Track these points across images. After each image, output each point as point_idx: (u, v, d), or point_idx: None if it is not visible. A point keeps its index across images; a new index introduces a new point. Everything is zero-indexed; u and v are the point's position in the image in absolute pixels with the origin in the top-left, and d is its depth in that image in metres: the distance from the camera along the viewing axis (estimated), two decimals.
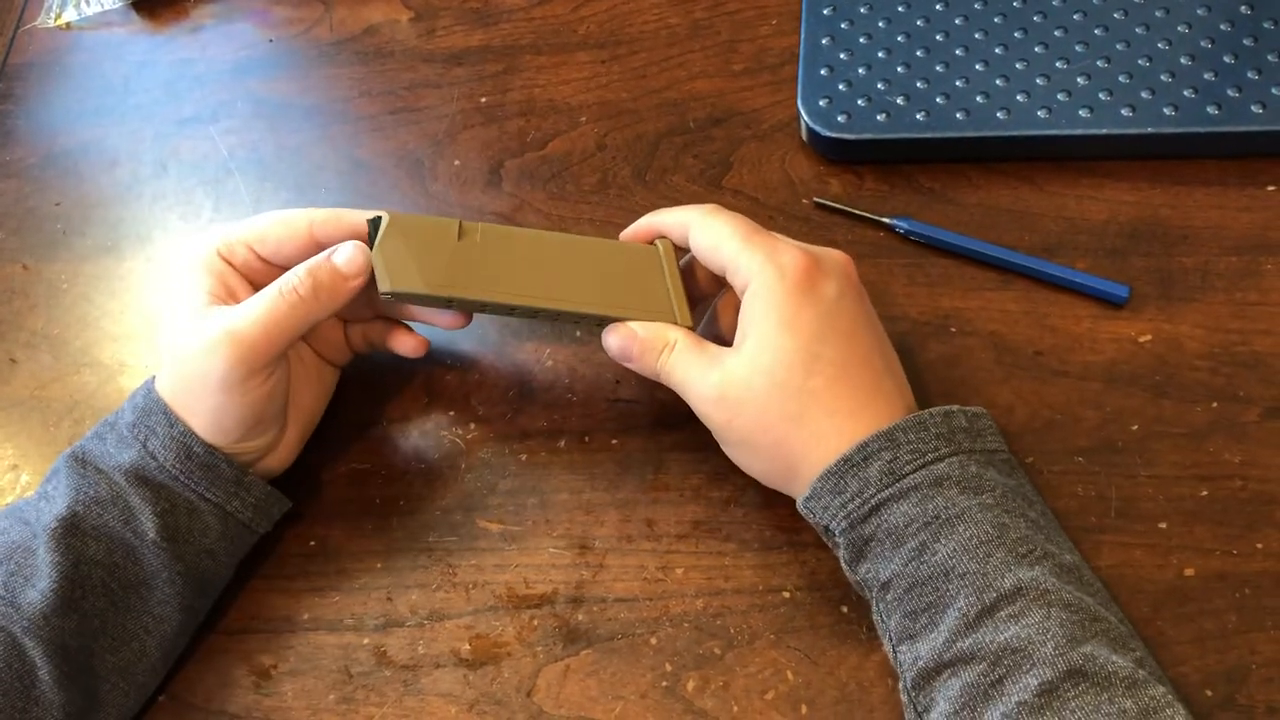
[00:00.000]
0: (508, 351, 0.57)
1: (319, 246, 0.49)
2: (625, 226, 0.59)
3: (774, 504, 0.51)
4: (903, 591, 0.43)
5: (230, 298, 0.49)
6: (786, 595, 0.49)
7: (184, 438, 0.48)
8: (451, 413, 0.56)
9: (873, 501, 0.44)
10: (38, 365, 0.61)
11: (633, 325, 0.49)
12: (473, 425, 0.56)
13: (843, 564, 0.46)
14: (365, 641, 0.51)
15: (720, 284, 0.50)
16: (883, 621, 0.45)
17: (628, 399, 0.55)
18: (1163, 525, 0.49)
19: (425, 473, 0.55)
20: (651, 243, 0.51)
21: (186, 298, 0.49)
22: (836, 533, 0.45)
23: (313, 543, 0.53)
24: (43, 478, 0.57)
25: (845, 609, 0.49)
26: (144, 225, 0.65)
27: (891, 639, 0.44)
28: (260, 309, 0.47)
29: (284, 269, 0.49)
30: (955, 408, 0.46)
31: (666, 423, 0.54)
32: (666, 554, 0.51)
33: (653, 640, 0.49)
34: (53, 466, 0.50)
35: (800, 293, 0.46)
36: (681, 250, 0.51)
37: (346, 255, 0.49)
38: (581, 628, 0.50)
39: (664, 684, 0.48)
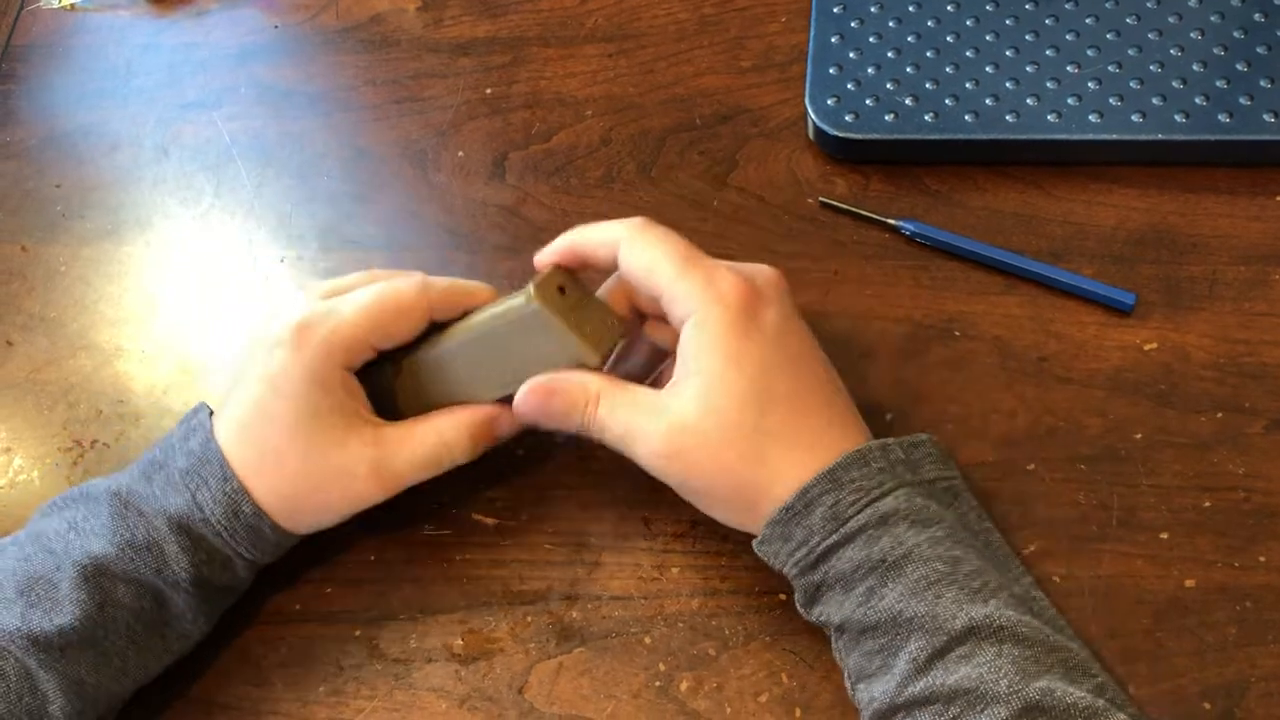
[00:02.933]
0: None
1: (429, 317, 0.48)
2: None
3: None
4: (856, 634, 0.43)
5: (351, 406, 0.47)
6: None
7: (235, 495, 0.46)
8: None
9: (819, 549, 0.43)
10: (34, 348, 0.61)
11: (540, 380, 0.45)
12: None
13: (798, 605, 0.45)
14: (357, 634, 0.50)
15: (640, 312, 0.48)
16: (841, 658, 0.44)
17: None
18: (1164, 535, 0.48)
19: None
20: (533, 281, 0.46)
21: (308, 406, 0.46)
22: (789, 578, 0.45)
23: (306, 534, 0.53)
24: (39, 463, 0.57)
25: None
26: (144, 209, 0.65)
27: (850, 677, 0.44)
28: (415, 460, 0.47)
29: None
30: (891, 440, 0.45)
31: None
32: (663, 553, 0.51)
33: (647, 640, 0.49)
34: (84, 491, 0.47)
35: (744, 322, 0.44)
36: (601, 273, 0.48)
37: (511, 425, 0.48)
38: (575, 625, 0.49)
39: (657, 684, 0.48)
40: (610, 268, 0.47)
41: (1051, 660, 0.41)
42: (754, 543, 0.46)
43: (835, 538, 0.43)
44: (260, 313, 0.60)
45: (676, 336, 0.45)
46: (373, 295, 0.47)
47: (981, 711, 0.39)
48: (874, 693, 0.42)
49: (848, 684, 0.44)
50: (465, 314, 0.48)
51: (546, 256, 0.47)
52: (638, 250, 0.45)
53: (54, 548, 0.46)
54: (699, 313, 0.44)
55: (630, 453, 0.45)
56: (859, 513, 0.43)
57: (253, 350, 0.47)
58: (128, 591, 0.46)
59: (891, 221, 0.56)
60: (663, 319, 0.47)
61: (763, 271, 0.46)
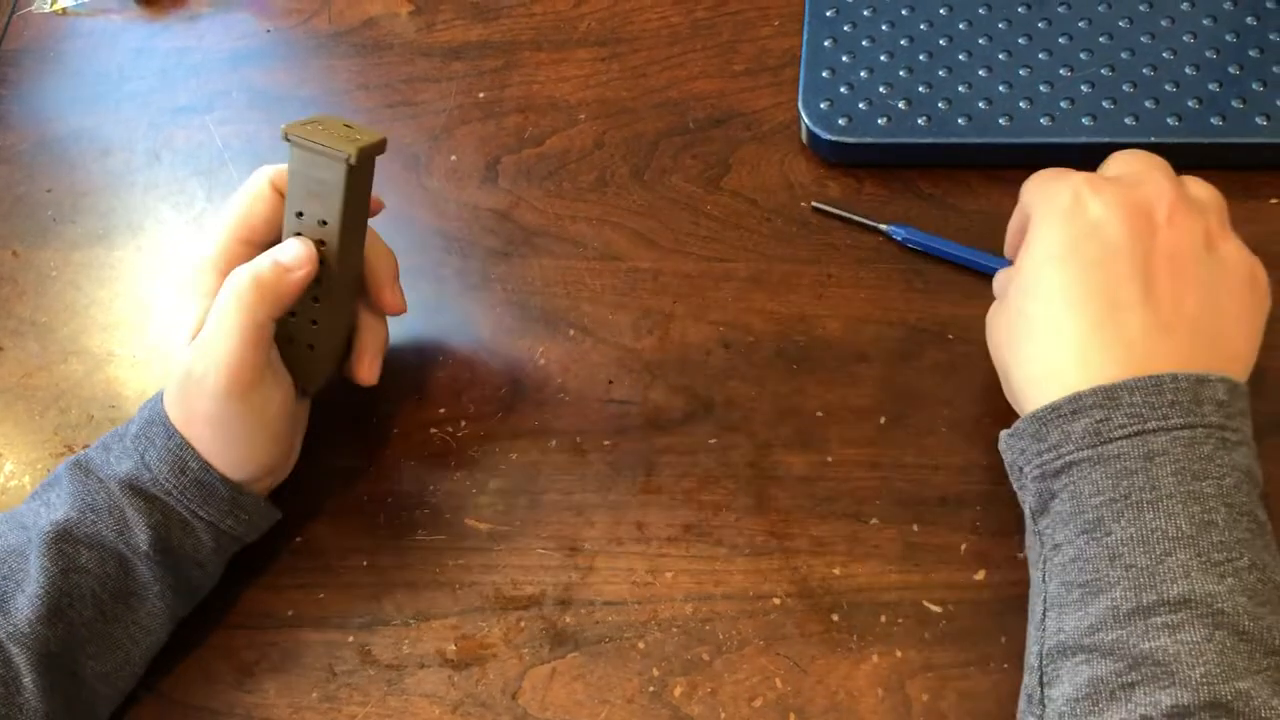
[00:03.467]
0: (500, 349, 0.57)
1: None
2: (622, 225, 0.59)
3: (766, 509, 0.51)
4: (1068, 559, 0.41)
5: None
6: (776, 602, 0.49)
7: (180, 450, 0.47)
8: (442, 410, 0.55)
9: (1068, 458, 0.41)
10: (24, 353, 0.60)
11: None
12: (463, 423, 0.55)
13: (1027, 511, 0.43)
14: (350, 640, 0.50)
15: None
16: (1043, 581, 0.42)
17: (620, 400, 0.54)
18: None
19: (414, 470, 0.54)
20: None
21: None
22: (1028, 478, 0.43)
23: (299, 539, 0.53)
24: (30, 468, 0.57)
25: (835, 617, 0.48)
26: (135, 214, 0.64)
27: (1045, 600, 0.42)
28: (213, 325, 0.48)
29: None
30: (1214, 376, 0.41)
31: (659, 424, 0.53)
32: (656, 557, 0.51)
33: (640, 645, 0.49)
34: (54, 473, 0.49)
35: (1073, 239, 0.44)
36: None
37: (292, 252, 0.48)
38: (569, 630, 0.49)
39: (651, 689, 0.48)
40: None
41: (1267, 664, 0.37)
42: (1004, 432, 0.44)
43: (1089, 454, 0.41)
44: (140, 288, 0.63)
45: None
46: (227, 205, 0.50)
47: (1164, 689, 0.37)
48: (1063, 624, 0.40)
49: (1038, 609, 0.42)
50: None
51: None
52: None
53: (26, 522, 0.47)
54: (1035, 221, 0.45)
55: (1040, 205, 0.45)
56: (1124, 439, 0.40)
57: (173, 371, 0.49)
58: (91, 556, 0.46)
59: (883, 228, 0.56)
60: None
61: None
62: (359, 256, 0.51)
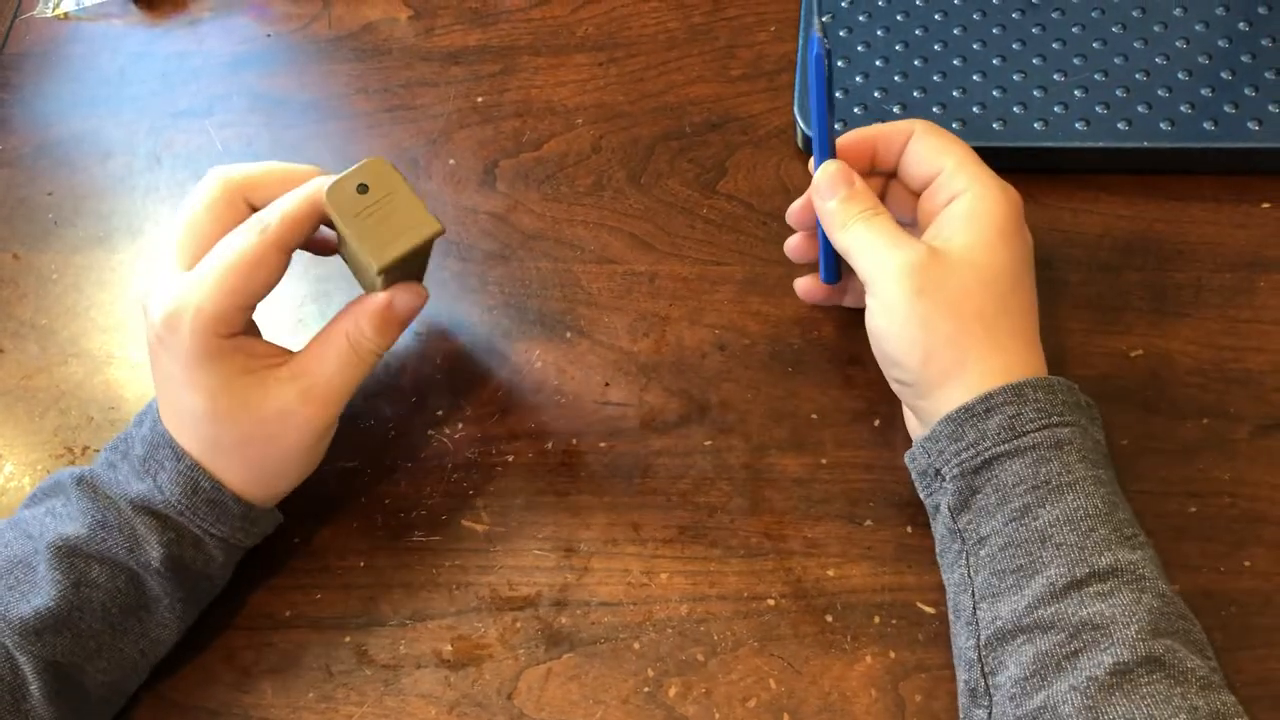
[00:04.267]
0: (497, 352, 0.57)
1: (290, 256, 0.48)
2: (619, 229, 0.60)
3: (760, 511, 0.51)
4: (997, 549, 0.43)
5: (258, 360, 0.48)
6: (771, 603, 0.49)
7: (192, 472, 0.47)
8: (439, 412, 0.56)
9: (987, 454, 0.44)
10: (25, 355, 0.61)
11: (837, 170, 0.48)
12: (460, 425, 0.55)
13: (944, 512, 0.45)
14: (347, 640, 0.51)
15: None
16: (969, 576, 0.44)
17: (616, 402, 0.55)
18: (1151, 541, 0.48)
19: (411, 472, 0.54)
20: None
21: (212, 383, 0.46)
22: (947, 478, 0.45)
23: (297, 539, 0.53)
24: (30, 469, 0.57)
25: (830, 618, 0.48)
26: (136, 217, 0.65)
27: (974, 595, 0.43)
28: (334, 367, 0.48)
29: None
30: (1076, 386, 0.46)
31: (655, 427, 0.54)
32: (652, 559, 0.51)
33: (636, 645, 0.49)
34: (54, 480, 0.49)
35: (1016, 220, 0.47)
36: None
37: (410, 305, 0.49)
38: (564, 631, 0.50)
39: (646, 690, 0.48)
40: (894, 156, 0.50)
41: (1180, 626, 0.41)
42: (919, 439, 0.46)
43: (1006, 447, 0.43)
44: (139, 291, 0.61)
45: (913, 207, 0.50)
46: (221, 264, 0.46)
47: (1104, 650, 0.39)
48: (999, 611, 0.42)
49: (968, 603, 0.44)
50: None
51: (844, 142, 0.50)
52: (933, 135, 0.49)
53: (32, 532, 0.47)
54: (982, 191, 0.46)
55: (866, 256, 0.46)
56: (1037, 431, 0.43)
57: (148, 344, 0.48)
58: (102, 571, 0.46)
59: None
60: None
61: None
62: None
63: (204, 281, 0.46)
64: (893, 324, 0.46)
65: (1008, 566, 0.42)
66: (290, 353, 0.49)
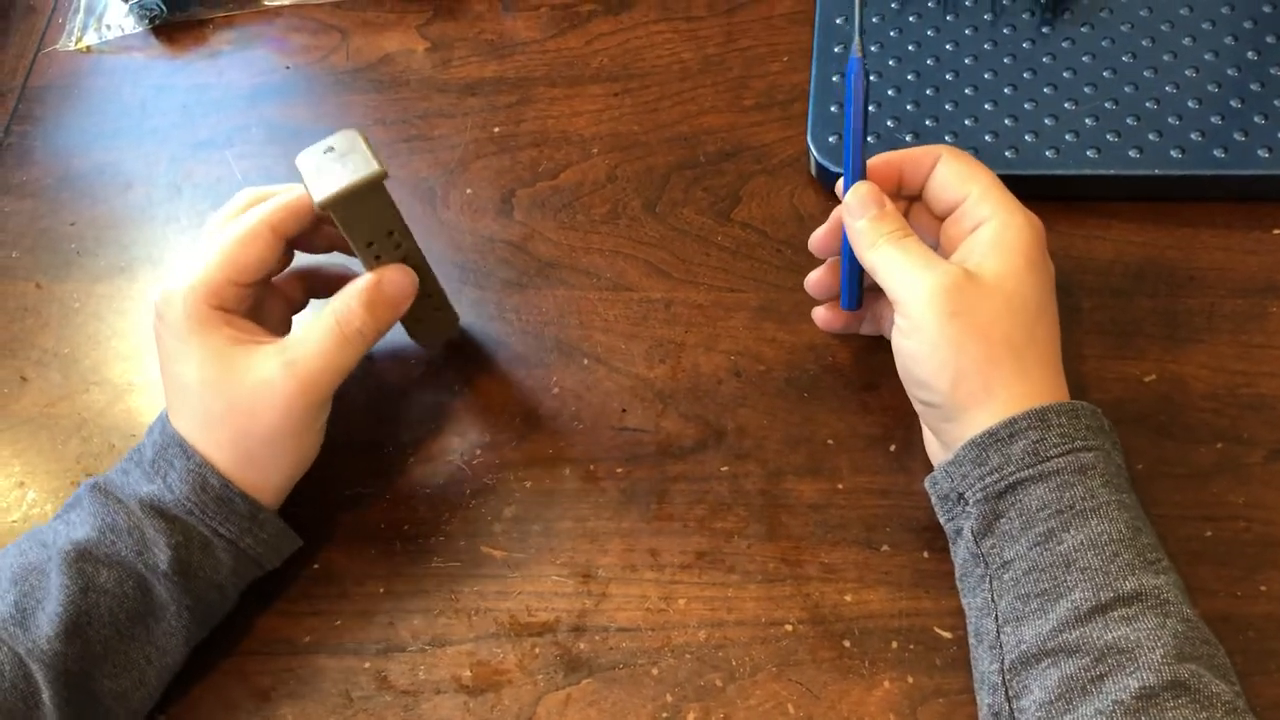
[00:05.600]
0: (515, 379, 0.58)
1: (284, 242, 0.51)
2: (635, 256, 0.60)
3: (777, 536, 0.51)
4: (1021, 573, 0.43)
5: (249, 335, 0.49)
6: (789, 628, 0.49)
7: (200, 469, 0.48)
8: (457, 438, 0.56)
9: (1011, 479, 0.44)
10: (47, 383, 0.61)
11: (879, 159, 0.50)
12: (479, 451, 0.56)
13: (967, 536, 0.45)
14: (366, 665, 0.51)
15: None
16: (993, 601, 0.44)
17: (633, 428, 0.55)
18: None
19: (430, 498, 0.55)
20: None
21: (202, 351, 0.48)
22: (970, 502, 0.45)
23: (316, 565, 0.53)
24: (52, 496, 0.57)
25: (848, 643, 0.49)
26: (156, 247, 0.66)
27: (998, 619, 0.44)
28: (319, 344, 0.49)
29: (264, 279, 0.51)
30: (1099, 410, 0.46)
31: (672, 452, 0.54)
32: (669, 584, 0.51)
33: (654, 671, 0.49)
34: (75, 494, 0.50)
35: (1041, 248, 0.47)
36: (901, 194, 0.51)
37: (398, 284, 0.51)
38: (583, 657, 0.50)
39: (664, 715, 0.48)
40: (920, 180, 0.50)
41: (1205, 651, 0.41)
42: (941, 463, 0.47)
43: (1030, 472, 0.43)
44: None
45: (936, 231, 0.50)
46: (216, 242, 0.50)
47: (1130, 674, 0.39)
48: (1023, 635, 0.42)
49: (992, 627, 0.44)
50: None
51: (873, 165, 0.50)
52: (959, 161, 0.49)
53: (46, 540, 0.48)
54: (1008, 219, 0.47)
55: (896, 274, 0.46)
56: (1060, 456, 0.43)
57: (155, 340, 0.50)
58: (110, 575, 0.47)
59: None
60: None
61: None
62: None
63: (198, 259, 0.49)
64: (923, 345, 0.46)
65: (1032, 590, 0.43)
66: (285, 336, 0.50)
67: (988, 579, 0.45)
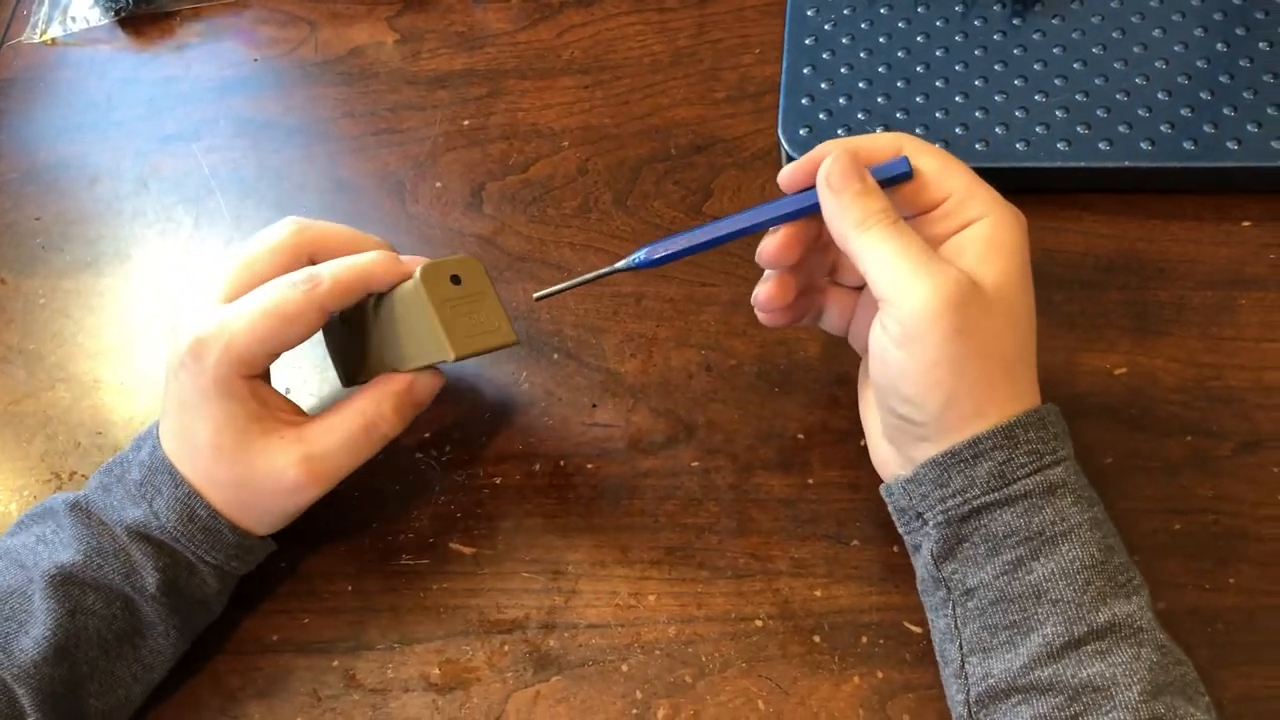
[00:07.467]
0: (484, 373, 0.57)
1: (324, 316, 0.47)
2: (604, 250, 0.60)
3: (747, 531, 0.51)
4: (987, 603, 0.41)
5: (270, 412, 0.48)
6: (759, 624, 0.49)
7: (189, 499, 0.47)
8: (426, 435, 0.56)
9: (975, 503, 0.41)
10: (12, 380, 0.61)
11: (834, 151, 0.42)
12: (448, 448, 0.55)
13: (926, 556, 0.43)
14: (334, 664, 0.50)
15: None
16: (956, 628, 0.42)
17: (603, 423, 0.55)
18: (1135, 558, 0.48)
19: (398, 495, 0.54)
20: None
21: (221, 418, 0.47)
22: (930, 523, 0.42)
23: (283, 563, 0.53)
24: (16, 495, 0.57)
25: (817, 639, 0.48)
26: (123, 242, 0.65)
27: (963, 647, 0.42)
28: (342, 443, 0.48)
29: None
30: (1056, 408, 0.43)
31: (642, 448, 0.54)
32: (639, 580, 0.51)
33: (624, 667, 0.49)
34: (44, 506, 0.49)
35: (1027, 249, 0.43)
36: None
37: (430, 389, 0.50)
38: (552, 654, 0.50)
39: (634, 712, 0.48)
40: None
41: (1177, 674, 0.40)
42: (899, 477, 0.44)
43: (997, 496, 0.41)
44: (166, 319, 0.62)
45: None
46: (261, 307, 0.46)
47: (1106, 713, 0.38)
48: (991, 668, 0.40)
49: (955, 654, 0.42)
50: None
51: (791, 173, 0.45)
52: (932, 155, 0.43)
53: (25, 561, 0.47)
54: (999, 218, 0.42)
55: (883, 272, 0.41)
56: (1028, 476, 0.40)
57: (168, 363, 0.48)
58: (98, 598, 0.46)
59: (619, 265, 0.48)
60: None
61: None
62: None
63: (240, 318, 0.46)
64: (917, 361, 0.40)
65: (1000, 622, 0.41)
66: (304, 415, 0.49)
67: (950, 604, 0.42)
